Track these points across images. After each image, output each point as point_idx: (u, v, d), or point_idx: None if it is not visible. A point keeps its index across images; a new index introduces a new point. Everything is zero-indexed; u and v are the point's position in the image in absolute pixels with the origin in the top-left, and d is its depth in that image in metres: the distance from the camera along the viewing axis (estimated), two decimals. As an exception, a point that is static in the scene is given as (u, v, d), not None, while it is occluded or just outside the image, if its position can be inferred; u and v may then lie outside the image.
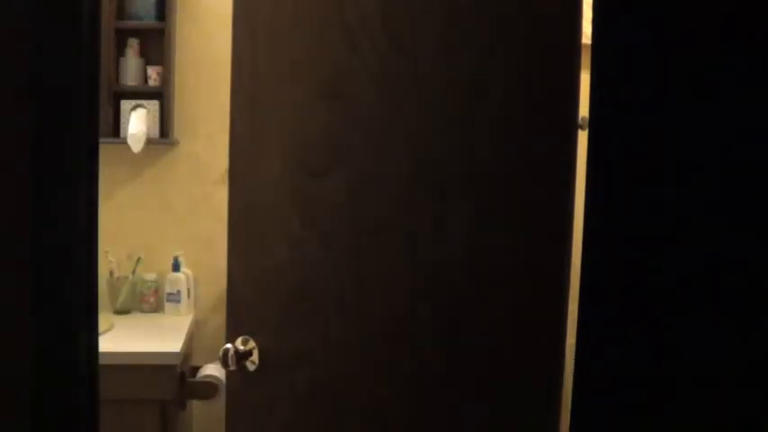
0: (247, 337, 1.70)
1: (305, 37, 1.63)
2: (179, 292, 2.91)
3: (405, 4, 1.55)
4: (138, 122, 2.77)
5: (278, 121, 1.67)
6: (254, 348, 1.70)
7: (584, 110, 1.32)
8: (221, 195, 2.18)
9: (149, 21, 2.85)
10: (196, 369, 2.76)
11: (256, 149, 1.69)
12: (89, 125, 1.12)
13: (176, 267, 2.91)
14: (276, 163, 1.66)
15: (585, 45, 1.33)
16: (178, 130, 2.95)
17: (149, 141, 2.80)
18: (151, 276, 2.94)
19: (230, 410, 1.77)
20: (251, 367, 1.70)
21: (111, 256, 2.87)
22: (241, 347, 1.70)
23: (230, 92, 1.70)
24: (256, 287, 1.70)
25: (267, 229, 1.68)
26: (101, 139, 1.19)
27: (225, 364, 1.69)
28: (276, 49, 1.66)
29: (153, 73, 2.86)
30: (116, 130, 2.84)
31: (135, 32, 2.87)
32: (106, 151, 1.41)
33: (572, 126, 1.46)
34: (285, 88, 1.66)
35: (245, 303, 1.71)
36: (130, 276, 2.90)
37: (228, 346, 1.69)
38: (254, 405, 1.73)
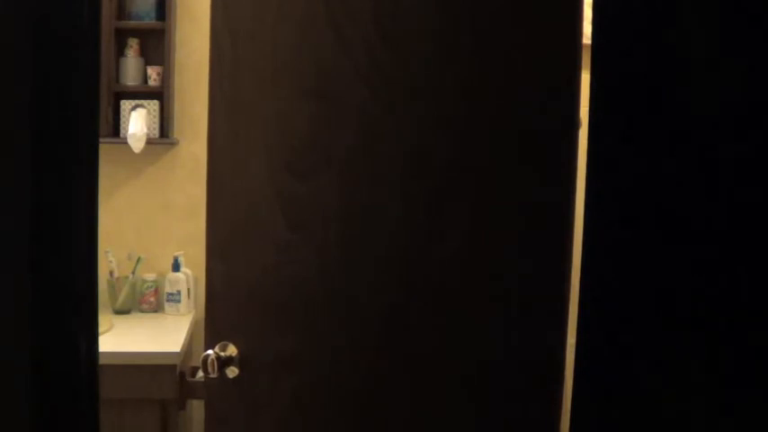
0: (226, 342, 1.64)
1: (289, 34, 1.60)
2: (179, 292, 2.90)
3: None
4: (138, 122, 2.77)
5: (261, 122, 1.63)
6: (234, 354, 1.64)
7: (584, 110, 1.32)
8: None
9: (149, 21, 2.85)
10: (196, 369, 2.76)
11: (238, 151, 1.65)
12: (89, 125, 1.12)
13: (176, 267, 2.91)
14: (260, 164, 1.63)
15: (585, 45, 1.33)
16: (178, 130, 2.95)
17: (149, 141, 2.80)
18: (151, 276, 2.93)
19: (209, 422, 1.70)
20: (231, 374, 1.65)
21: (112, 256, 2.87)
22: (221, 354, 1.64)
23: (209, 93, 1.65)
24: (238, 291, 1.66)
25: (250, 232, 1.65)
26: (101, 139, 1.19)
27: (205, 371, 1.62)
28: (259, 48, 1.62)
29: (153, 73, 2.86)
30: (116, 130, 2.84)
31: (135, 32, 2.87)
32: (106, 151, 1.41)
33: (572, 126, 1.46)
34: (268, 88, 1.62)
35: (225, 308, 1.67)
36: (130, 276, 2.90)
37: (209, 352, 1.63)
38: (235, 415, 1.68)
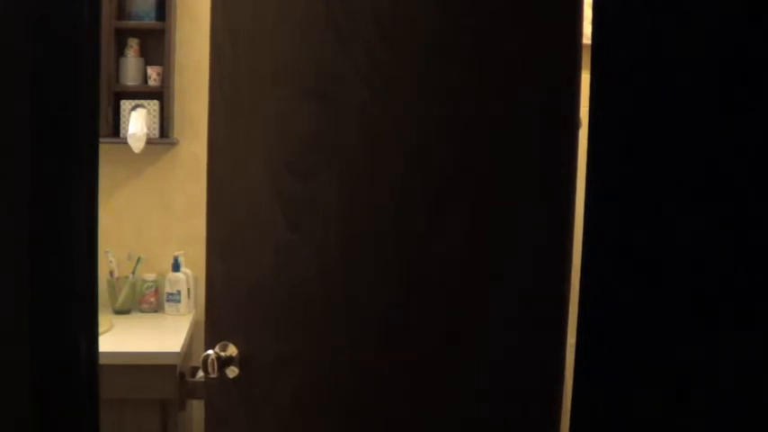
0: (226, 342, 1.64)
1: (289, 34, 1.60)
2: (179, 292, 2.90)
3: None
4: (138, 122, 2.77)
5: (261, 123, 1.63)
6: (234, 354, 1.64)
7: (584, 110, 1.32)
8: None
9: (149, 21, 2.85)
10: (196, 369, 2.76)
11: (238, 151, 1.65)
12: (89, 125, 1.12)
13: (176, 267, 2.91)
14: (260, 164, 1.63)
15: (585, 45, 1.33)
16: (178, 130, 2.95)
17: (149, 141, 2.80)
18: (151, 276, 2.93)
19: (209, 422, 1.70)
20: (231, 374, 1.65)
21: (112, 256, 2.87)
22: (221, 354, 1.64)
23: (209, 93, 1.65)
24: (238, 291, 1.66)
25: (250, 232, 1.65)
26: (101, 139, 1.19)
27: (205, 371, 1.62)
28: (259, 48, 1.62)
29: (153, 73, 2.86)
30: (116, 130, 2.84)
31: (135, 32, 2.87)
32: (106, 151, 1.41)
33: (572, 126, 1.46)
34: (268, 88, 1.62)
35: (225, 308, 1.67)
36: (130, 276, 2.90)
37: (209, 352, 1.63)
38: (235, 415, 1.68)
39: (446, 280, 1.54)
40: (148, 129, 2.81)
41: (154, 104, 2.84)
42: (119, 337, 2.59)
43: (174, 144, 2.95)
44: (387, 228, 1.56)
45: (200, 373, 2.72)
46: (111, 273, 2.87)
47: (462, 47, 1.51)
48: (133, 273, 2.91)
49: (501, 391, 1.52)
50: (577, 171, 1.43)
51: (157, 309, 2.94)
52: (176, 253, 2.93)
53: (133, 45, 2.86)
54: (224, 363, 1.64)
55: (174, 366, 2.47)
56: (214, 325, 1.68)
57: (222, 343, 1.65)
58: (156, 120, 2.85)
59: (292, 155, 1.61)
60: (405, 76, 1.54)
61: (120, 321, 2.79)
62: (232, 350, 1.65)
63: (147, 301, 2.93)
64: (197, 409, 2.96)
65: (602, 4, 1.22)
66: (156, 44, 2.87)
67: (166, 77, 2.85)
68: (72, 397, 1.11)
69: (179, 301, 2.91)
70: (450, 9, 1.51)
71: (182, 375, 2.55)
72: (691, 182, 1.16)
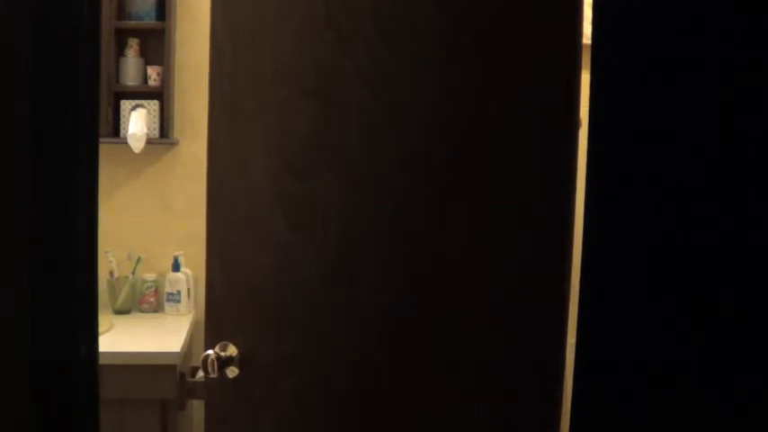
0: (226, 342, 1.64)
1: (289, 34, 1.60)
2: (179, 292, 2.90)
3: (400, -1, 1.53)
4: (138, 122, 2.77)
5: (261, 123, 1.63)
6: (234, 354, 1.64)
7: (584, 110, 1.32)
8: (221, 195, 2.16)
9: (149, 21, 2.85)
10: (196, 369, 2.76)
11: (238, 151, 1.65)
12: (89, 125, 1.12)
13: (176, 267, 2.91)
14: (260, 164, 1.63)
15: (585, 45, 1.33)
16: (178, 130, 2.95)
17: (149, 141, 2.80)
18: (151, 276, 2.93)
19: (209, 422, 1.71)
20: (231, 374, 1.65)
21: (112, 256, 2.87)
22: (221, 354, 1.64)
23: (209, 93, 1.65)
24: (238, 291, 1.66)
25: (250, 232, 1.65)
26: (101, 139, 1.19)
27: (205, 371, 1.62)
28: (259, 48, 1.62)
29: (153, 73, 2.86)
30: (116, 130, 2.84)
31: (135, 32, 2.88)
32: (106, 151, 1.41)
33: (572, 126, 1.46)
34: (268, 88, 1.62)
35: (225, 308, 1.67)
36: (130, 276, 2.90)
37: (209, 352, 1.63)
38: (235, 415, 1.68)
39: (446, 280, 1.54)
40: (148, 129, 2.81)
41: (154, 104, 2.84)
42: (119, 337, 2.59)
43: (174, 144, 2.95)
44: (387, 228, 1.56)
45: (200, 373, 2.72)
46: (111, 273, 2.87)
47: (462, 47, 1.51)
48: (133, 273, 2.91)
49: (501, 391, 1.52)
50: (577, 171, 1.43)
51: (157, 309, 2.94)
52: (176, 253, 2.93)
53: (133, 45, 2.86)
54: (224, 363, 1.64)
55: (174, 366, 2.47)
56: (214, 325, 1.68)
57: (222, 343, 1.65)
58: (156, 120, 2.85)
59: (292, 155, 1.61)
60: (405, 76, 1.54)
61: (120, 321, 2.79)
62: (232, 350, 1.65)
63: (147, 301, 2.93)
64: (197, 409, 2.96)
65: (602, 4, 1.22)
66: (156, 44, 2.87)
67: (166, 77, 2.85)
68: (72, 397, 1.11)
69: (179, 301, 2.91)
70: (451, 9, 1.51)
71: (182, 375, 2.55)
72: (691, 182, 1.16)
